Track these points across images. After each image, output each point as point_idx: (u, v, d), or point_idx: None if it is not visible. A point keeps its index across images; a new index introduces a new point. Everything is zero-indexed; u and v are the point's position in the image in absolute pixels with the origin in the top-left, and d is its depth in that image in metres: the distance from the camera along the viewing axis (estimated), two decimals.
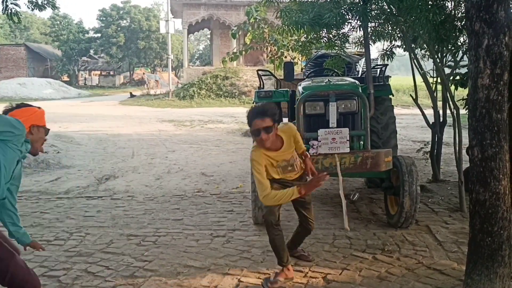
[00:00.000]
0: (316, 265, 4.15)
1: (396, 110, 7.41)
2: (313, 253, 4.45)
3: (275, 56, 14.64)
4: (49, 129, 3.13)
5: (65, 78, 52.39)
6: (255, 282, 3.83)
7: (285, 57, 14.11)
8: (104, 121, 19.65)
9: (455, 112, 6.19)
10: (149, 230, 5.26)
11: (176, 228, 5.32)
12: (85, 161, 10.99)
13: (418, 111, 7.95)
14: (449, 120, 7.37)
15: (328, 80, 5.49)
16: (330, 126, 4.84)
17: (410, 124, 17.45)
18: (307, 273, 3.98)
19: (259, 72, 8.11)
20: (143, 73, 55.91)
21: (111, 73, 56.54)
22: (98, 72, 57.88)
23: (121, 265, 4.21)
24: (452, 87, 6.82)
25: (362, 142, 5.17)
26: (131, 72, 56.43)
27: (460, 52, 6.47)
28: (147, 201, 6.66)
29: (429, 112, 7.78)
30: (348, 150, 4.74)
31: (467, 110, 6.32)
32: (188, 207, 6.32)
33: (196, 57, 70.30)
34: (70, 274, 4.00)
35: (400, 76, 41.32)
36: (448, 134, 8.37)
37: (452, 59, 6.82)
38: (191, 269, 4.15)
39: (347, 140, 4.73)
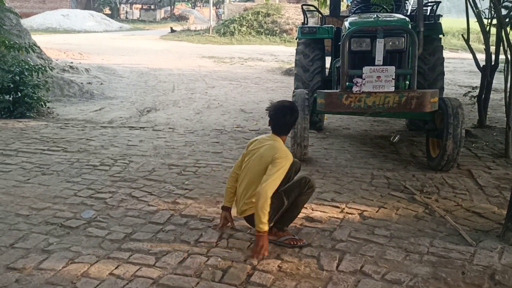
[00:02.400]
0: (353, 202, 4.18)
1: (444, 54, 7.08)
2: (350, 191, 4.47)
3: None
4: None
5: (107, 11, 52.38)
6: None
7: None
8: (145, 55, 19.78)
9: (509, 53, 5.87)
10: (190, 161, 5.39)
11: (215, 161, 5.42)
12: (127, 93, 11.22)
13: (466, 55, 7.64)
14: (500, 66, 7.04)
15: (377, 15, 5.27)
16: (376, 63, 4.68)
17: (458, 68, 16.71)
18: (344, 209, 4.01)
19: (304, 7, 7.85)
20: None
21: (152, 7, 56.12)
22: (139, 6, 57.51)
23: (163, 191, 4.36)
24: (507, 29, 6.44)
25: (407, 82, 5.01)
26: (172, 7, 55.81)
27: None
28: (187, 134, 6.79)
29: (480, 57, 7.42)
30: (393, 89, 4.61)
31: None
32: (227, 141, 6.41)
33: None
34: (116, 197, 4.19)
35: (450, 18, 39.24)
36: (497, 80, 8.01)
37: None
38: None
39: (392, 78, 4.59)
